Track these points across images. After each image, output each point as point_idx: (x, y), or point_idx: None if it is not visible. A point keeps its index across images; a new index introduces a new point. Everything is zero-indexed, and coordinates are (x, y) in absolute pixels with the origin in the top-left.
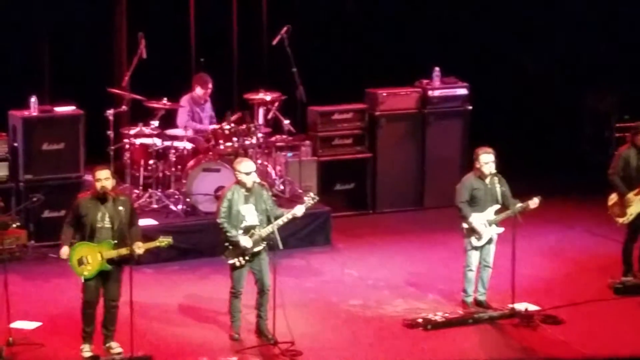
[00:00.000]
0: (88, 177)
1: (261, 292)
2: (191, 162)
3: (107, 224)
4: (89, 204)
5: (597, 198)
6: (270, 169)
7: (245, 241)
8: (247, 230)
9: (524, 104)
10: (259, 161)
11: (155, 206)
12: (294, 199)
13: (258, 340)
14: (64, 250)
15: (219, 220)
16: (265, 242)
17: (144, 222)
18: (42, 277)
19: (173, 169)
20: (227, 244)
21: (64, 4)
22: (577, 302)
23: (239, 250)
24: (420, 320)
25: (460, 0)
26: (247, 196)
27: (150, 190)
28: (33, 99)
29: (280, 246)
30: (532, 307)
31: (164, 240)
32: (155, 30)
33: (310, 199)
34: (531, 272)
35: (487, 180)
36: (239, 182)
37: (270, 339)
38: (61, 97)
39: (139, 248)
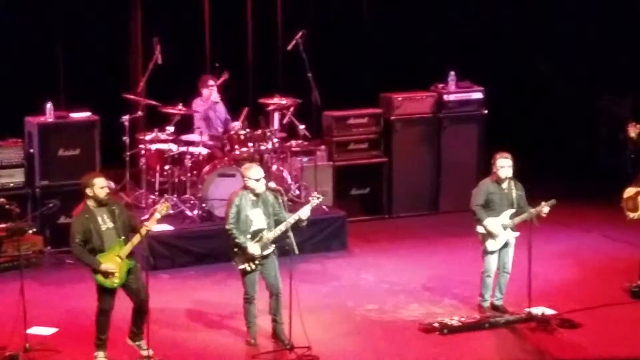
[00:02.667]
0: None
1: (273, 295)
2: (207, 168)
3: (110, 224)
4: (86, 214)
5: (613, 202)
6: (285, 174)
7: (253, 248)
8: (255, 234)
9: (539, 107)
10: (275, 166)
11: (171, 212)
12: None
13: (274, 345)
14: (106, 265)
15: (227, 227)
16: (274, 245)
17: (160, 227)
18: (59, 283)
19: (189, 175)
20: (236, 249)
21: (79, 10)
22: (593, 306)
23: (248, 256)
24: (436, 324)
25: (475, 4)
26: (255, 201)
27: (166, 196)
28: (49, 105)
29: (296, 251)
30: (549, 311)
31: (162, 208)
32: (171, 35)
33: (314, 198)
34: (547, 276)
35: (504, 185)
36: (247, 188)
37: (286, 343)
38: (77, 103)
39: (147, 226)
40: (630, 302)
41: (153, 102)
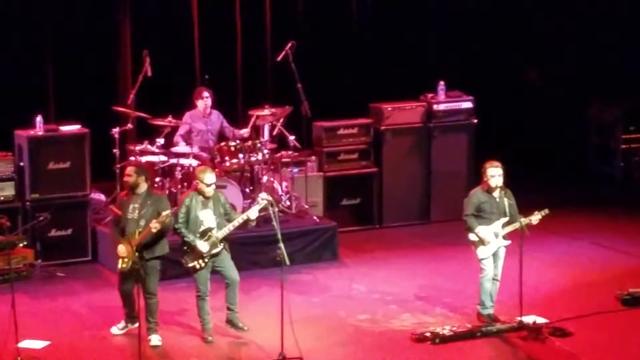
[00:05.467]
0: (94, 195)
1: (230, 286)
2: None
3: (136, 216)
4: (123, 199)
5: (603, 209)
6: (276, 184)
7: (202, 245)
8: (204, 233)
9: (529, 116)
10: (265, 177)
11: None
12: (300, 215)
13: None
14: (120, 248)
15: (176, 226)
16: (223, 244)
17: None
18: (50, 296)
19: (179, 186)
20: (185, 247)
21: (69, 23)
22: (585, 314)
23: (198, 253)
24: (428, 334)
25: (463, 13)
26: (205, 202)
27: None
28: (38, 118)
29: (287, 262)
30: (540, 320)
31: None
32: (160, 47)
33: (262, 200)
34: (539, 285)
35: (495, 194)
36: (197, 190)
37: (241, 327)
38: (66, 116)
39: (154, 225)
40: (622, 310)
41: (143, 115)
